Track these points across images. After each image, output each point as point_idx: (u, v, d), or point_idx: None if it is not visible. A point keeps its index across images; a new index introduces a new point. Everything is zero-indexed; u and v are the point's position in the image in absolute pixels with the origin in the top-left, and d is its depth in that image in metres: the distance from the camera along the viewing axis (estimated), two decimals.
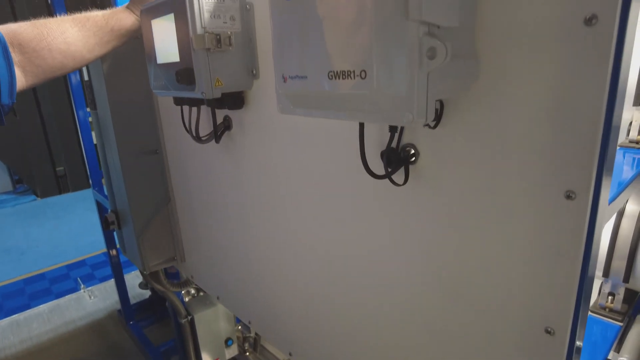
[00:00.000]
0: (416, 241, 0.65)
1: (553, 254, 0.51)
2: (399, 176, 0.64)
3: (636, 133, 0.83)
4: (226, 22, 0.84)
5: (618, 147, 0.87)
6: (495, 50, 0.50)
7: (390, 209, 0.68)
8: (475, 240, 0.57)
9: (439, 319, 0.65)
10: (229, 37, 0.84)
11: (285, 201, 0.91)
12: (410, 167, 0.63)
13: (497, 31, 0.49)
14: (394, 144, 0.62)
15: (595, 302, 0.96)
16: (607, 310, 0.93)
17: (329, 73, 0.46)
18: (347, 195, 0.75)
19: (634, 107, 0.83)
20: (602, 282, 0.94)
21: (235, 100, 0.92)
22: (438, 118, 0.57)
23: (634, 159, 0.76)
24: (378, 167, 0.64)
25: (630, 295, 0.95)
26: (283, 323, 1.05)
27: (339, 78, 0.45)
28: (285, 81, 0.53)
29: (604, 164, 0.46)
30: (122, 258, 2.40)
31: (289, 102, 0.55)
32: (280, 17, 0.51)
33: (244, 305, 1.21)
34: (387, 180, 0.63)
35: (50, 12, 2.63)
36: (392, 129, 0.57)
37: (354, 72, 0.43)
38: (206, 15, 0.81)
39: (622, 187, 0.60)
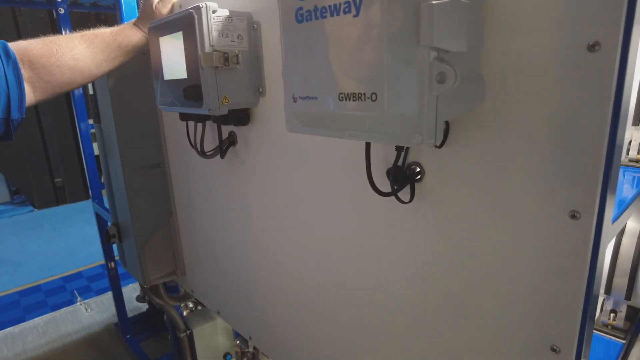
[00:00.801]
0: (421, 259, 0.66)
1: (558, 274, 0.51)
2: (404, 194, 0.64)
3: (635, 152, 0.85)
4: (234, 41, 0.86)
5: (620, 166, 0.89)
6: (500, 73, 0.52)
7: (396, 227, 0.69)
8: (479, 258, 0.58)
9: (444, 337, 0.66)
10: (237, 56, 0.86)
11: (289, 218, 0.92)
12: (416, 185, 0.64)
13: (502, 56, 0.51)
14: (399, 162, 0.64)
15: (598, 320, 0.96)
16: (609, 327, 0.93)
17: (339, 95, 0.47)
18: (352, 214, 0.76)
19: (633, 127, 0.85)
20: (604, 300, 0.95)
21: (241, 116, 0.93)
22: (444, 138, 0.58)
23: (634, 177, 0.78)
24: (384, 185, 0.65)
25: (632, 312, 0.96)
26: (284, 339, 1.05)
27: (349, 100, 0.46)
28: (295, 101, 0.54)
29: (607, 184, 0.47)
30: (120, 270, 2.38)
31: (297, 122, 0.56)
32: (291, 40, 0.53)
33: (245, 321, 1.21)
34: (392, 198, 0.64)
35: (55, 28, 2.66)
36: (399, 148, 0.59)
37: (364, 94, 0.44)
38: (214, 34, 0.83)
39: (624, 206, 0.61)
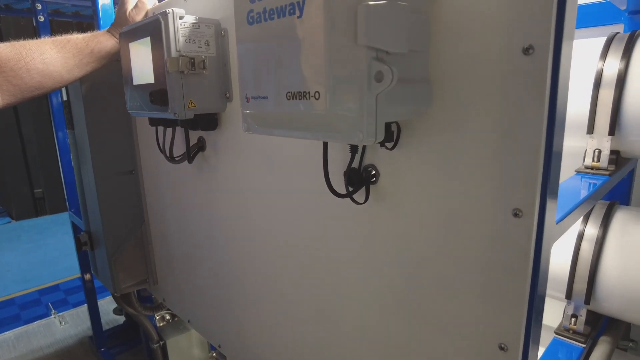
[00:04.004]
0: (376, 258, 0.66)
1: (503, 271, 0.52)
2: (360, 196, 0.65)
3: (591, 159, 0.87)
4: (201, 47, 0.87)
5: (575, 173, 0.91)
6: (447, 77, 0.53)
7: (353, 228, 0.69)
8: (430, 257, 0.59)
9: (396, 334, 0.66)
10: (203, 61, 0.86)
11: (255, 223, 0.92)
12: (372, 187, 0.65)
13: (447, 59, 0.53)
14: (356, 165, 0.65)
15: (560, 324, 0.97)
16: (570, 332, 0.94)
17: (286, 94, 0.48)
18: (314, 215, 0.77)
19: (588, 135, 0.87)
20: (565, 305, 0.96)
21: (209, 121, 0.93)
22: (396, 140, 0.59)
23: (589, 183, 0.80)
24: (343, 188, 0.66)
25: (594, 317, 0.97)
26: (252, 346, 1.04)
27: (295, 98, 0.47)
28: (248, 101, 0.55)
29: (547, 184, 0.49)
30: (97, 283, 2.33)
31: (252, 122, 0.57)
32: (244, 41, 0.54)
33: (214, 329, 1.19)
34: (350, 199, 0.65)
35: (37, 35, 2.65)
36: (352, 150, 0.60)
37: (308, 93, 0.45)
38: (181, 39, 0.84)
39: (571, 208, 0.63)
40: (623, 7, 1.02)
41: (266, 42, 0.50)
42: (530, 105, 0.47)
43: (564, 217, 0.59)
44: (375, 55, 0.42)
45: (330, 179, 0.63)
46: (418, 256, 0.60)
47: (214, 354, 2.14)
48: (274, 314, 0.93)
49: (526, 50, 0.46)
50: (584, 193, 0.78)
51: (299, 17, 0.45)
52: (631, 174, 1.13)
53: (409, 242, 0.61)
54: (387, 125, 0.56)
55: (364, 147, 0.64)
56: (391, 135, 0.57)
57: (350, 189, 0.64)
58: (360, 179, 0.64)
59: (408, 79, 0.48)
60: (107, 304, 3.11)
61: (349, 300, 0.73)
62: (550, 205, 0.50)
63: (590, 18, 1.11)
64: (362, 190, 0.65)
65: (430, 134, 0.56)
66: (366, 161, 0.65)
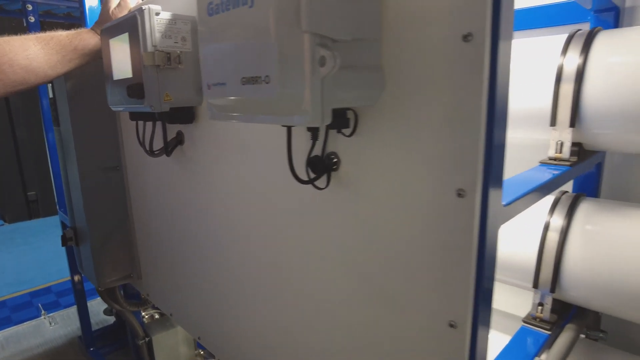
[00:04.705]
0: (338, 240, 0.69)
1: (450, 250, 0.55)
2: (323, 182, 0.68)
3: (554, 151, 0.90)
4: (177, 42, 0.90)
5: (539, 164, 0.94)
6: (398, 65, 0.56)
7: (319, 213, 0.72)
8: (386, 238, 0.62)
9: (358, 312, 0.69)
10: (179, 56, 0.89)
11: (229, 213, 0.94)
12: (335, 173, 0.67)
13: (398, 47, 0.56)
14: (319, 153, 0.67)
15: (529, 313, 1.00)
16: (537, 320, 0.97)
17: (241, 79, 0.51)
18: (284, 203, 0.79)
19: (551, 128, 0.91)
20: (533, 294, 0.99)
21: (186, 115, 0.96)
22: (354, 127, 0.62)
23: (549, 173, 0.83)
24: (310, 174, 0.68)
25: (562, 306, 1.00)
26: (230, 337, 1.06)
27: (249, 83, 0.50)
28: (209, 88, 0.57)
29: (490, 165, 0.51)
30: (89, 285, 2.34)
31: (214, 109, 0.60)
32: (205, 31, 0.56)
33: (195, 321, 1.21)
34: (312, 185, 0.67)
35: None
36: (313, 137, 0.62)
37: (260, 77, 0.48)
38: (157, 35, 0.87)
39: (524, 193, 0.66)
40: (589, 7, 1.06)
41: (223, 31, 0.53)
42: (471, 91, 0.50)
43: (514, 201, 0.62)
44: (320, 41, 0.45)
45: (296, 167, 0.66)
46: (375, 238, 0.63)
47: (201, 352, 2.16)
48: (247, 303, 0.95)
49: (466, 37, 0.49)
50: (541, 181, 0.80)
51: (250, 7, 0.48)
52: (600, 167, 1.16)
53: (367, 225, 0.64)
54: (342, 112, 0.59)
55: (326, 135, 0.67)
56: (346, 122, 0.60)
57: (313, 175, 0.66)
58: (322, 166, 0.67)
59: (356, 65, 0.51)
60: (97, 305, 3.12)
61: (317, 283, 0.76)
62: (494, 186, 0.53)
63: (558, 17, 1.14)
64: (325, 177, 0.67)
65: (384, 121, 0.59)
66: (329, 149, 0.68)
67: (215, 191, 0.99)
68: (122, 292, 1.64)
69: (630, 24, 1.11)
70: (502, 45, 0.49)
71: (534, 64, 0.99)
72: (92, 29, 1.19)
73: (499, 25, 0.48)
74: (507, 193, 0.63)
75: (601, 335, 1.23)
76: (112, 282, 1.45)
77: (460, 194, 0.53)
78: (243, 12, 0.49)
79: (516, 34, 1.24)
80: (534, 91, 0.94)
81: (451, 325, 0.57)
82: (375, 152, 0.61)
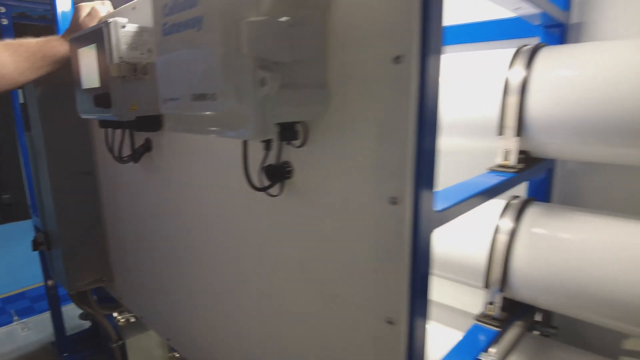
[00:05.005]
0: (290, 243, 0.74)
1: (386, 253, 0.60)
2: (278, 190, 0.73)
3: (502, 159, 0.96)
4: (143, 54, 0.93)
5: (488, 170, 1.00)
6: (340, 82, 0.61)
7: (275, 219, 0.76)
8: (330, 241, 0.67)
9: (305, 311, 0.74)
10: (145, 67, 0.92)
11: (194, 219, 0.98)
12: (289, 181, 0.72)
13: (340, 67, 0.60)
14: (274, 162, 0.72)
15: (481, 311, 1.06)
16: (488, 317, 1.03)
17: (192, 95, 0.55)
18: (242, 209, 0.83)
19: (499, 137, 0.97)
20: (485, 293, 1.05)
21: (153, 123, 0.99)
22: (304, 139, 0.67)
23: (497, 181, 0.89)
24: (266, 183, 0.73)
25: (512, 304, 1.06)
26: (199, 338, 1.09)
27: (199, 100, 0.54)
28: (165, 103, 0.61)
29: (420, 175, 0.57)
30: (63, 290, 2.33)
31: (171, 122, 0.64)
32: (161, 49, 0.60)
33: (164, 323, 1.24)
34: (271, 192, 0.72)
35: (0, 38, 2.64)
36: (266, 148, 0.67)
37: (207, 94, 0.52)
38: (123, 47, 0.90)
39: (462, 199, 0.71)
40: (537, 23, 1.13)
41: (176, 51, 0.57)
42: (400, 107, 0.55)
43: (449, 207, 0.67)
44: (260, 63, 0.50)
45: (253, 176, 0.70)
46: (321, 241, 0.68)
47: (176, 355, 2.17)
48: (213, 304, 0.99)
49: (396, 59, 0.54)
50: (484, 187, 0.86)
51: (199, 30, 0.52)
52: (550, 173, 1.23)
53: (315, 229, 0.69)
54: (290, 125, 0.64)
55: (280, 146, 0.71)
56: (295, 134, 0.64)
57: (267, 184, 0.71)
58: (278, 174, 0.71)
59: (298, 83, 0.56)
60: (73, 310, 3.07)
61: (273, 282, 0.80)
62: (425, 194, 0.58)
63: (511, 31, 1.22)
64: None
65: (330, 133, 0.64)
66: (286, 157, 0.72)
67: (180, 197, 1.02)
68: (95, 296, 1.65)
69: (576, 39, 1.19)
70: (430, 65, 0.55)
71: (486, 75, 1.05)
72: (63, 36, 1.21)
73: (426, 47, 0.54)
74: (447, 199, 0.68)
75: (552, 331, 1.30)
76: (84, 286, 1.46)
77: (393, 201, 0.58)
78: (192, 35, 0.53)
79: (473, 45, 1.31)
80: (486, 101, 1.00)
81: (389, 322, 0.62)
82: (322, 162, 0.66)
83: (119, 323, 1.94)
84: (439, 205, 0.64)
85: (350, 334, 0.67)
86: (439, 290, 1.47)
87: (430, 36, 0.54)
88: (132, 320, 2.13)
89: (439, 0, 0.54)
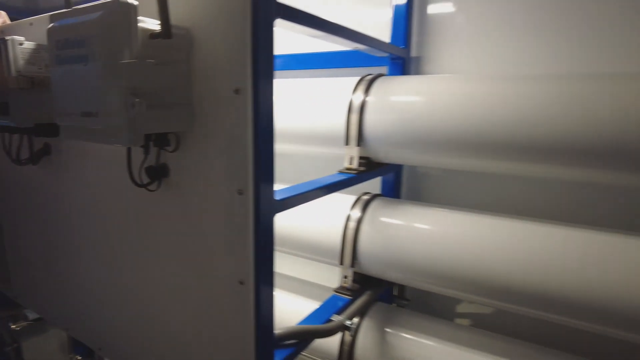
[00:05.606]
0: (170, 227, 0.93)
1: (238, 231, 0.82)
2: (157, 186, 0.92)
3: (348, 163, 1.24)
4: (41, 69, 1.06)
5: (338, 172, 1.28)
6: (203, 103, 0.82)
7: (153, 210, 0.95)
8: (197, 223, 0.87)
9: (181, 285, 0.94)
10: (43, 80, 1.05)
11: (89, 213, 1.12)
12: (167, 179, 0.91)
13: (201, 94, 0.82)
14: (154, 163, 0.90)
15: (338, 285, 1.33)
16: (343, 289, 1.30)
17: (81, 112, 0.72)
18: (126, 204, 1.01)
19: (346, 146, 1.25)
20: (340, 269, 1.32)
21: (49, 129, 1.11)
22: (176, 145, 0.87)
23: (340, 179, 1.15)
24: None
25: (363, 278, 1.34)
26: (94, 321, 1.22)
27: (87, 116, 0.72)
28: (60, 116, 0.78)
29: (260, 172, 0.79)
30: None
31: (66, 131, 0.80)
32: (55, 74, 0.77)
33: (63, 315, 1.34)
34: (151, 188, 0.91)
35: None
36: (145, 152, 0.86)
37: (91, 112, 0.70)
38: (21, 62, 1.02)
39: (301, 192, 0.96)
40: (385, 55, 1.44)
41: (69, 77, 0.74)
42: (242, 126, 0.77)
43: (290, 197, 0.91)
44: (132, 91, 0.69)
45: (136, 175, 0.88)
46: (190, 224, 0.89)
47: (78, 357, 2.19)
48: (108, 293, 1.13)
49: (236, 91, 0.76)
50: (324, 183, 1.11)
51: (85, 65, 0.70)
52: (399, 175, 1.55)
53: (185, 215, 0.89)
54: (163, 135, 0.83)
55: (158, 151, 0.90)
56: (167, 142, 0.84)
57: (146, 181, 0.89)
58: (156, 173, 0.90)
59: (165, 104, 0.76)
60: None
61: (153, 262, 0.99)
62: (265, 186, 0.81)
63: (365, 60, 1.52)
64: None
65: (195, 142, 0.85)
66: (162, 160, 0.91)
67: (75, 194, 1.15)
68: None
69: (417, 69, 1.53)
70: (262, 94, 0.78)
71: (337, 98, 1.32)
72: None
73: (258, 81, 0.76)
74: (289, 191, 0.92)
75: (405, 302, 1.62)
76: None
77: (240, 192, 0.80)
78: (81, 67, 0.71)
79: (337, 71, 1.61)
80: (337, 118, 1.27)
81: (241, 283, 0.84)
82: (191, 164, 0.86)
83: (14, 326, 1.93)
84: (278, 195, 0.87)
85: (214, 293, 0.88)
86: (311, 271, 1.74)
87: (261, 73, 0.77)
88: (28, 323, 2.12)
89: (269, 45, 0.77)
